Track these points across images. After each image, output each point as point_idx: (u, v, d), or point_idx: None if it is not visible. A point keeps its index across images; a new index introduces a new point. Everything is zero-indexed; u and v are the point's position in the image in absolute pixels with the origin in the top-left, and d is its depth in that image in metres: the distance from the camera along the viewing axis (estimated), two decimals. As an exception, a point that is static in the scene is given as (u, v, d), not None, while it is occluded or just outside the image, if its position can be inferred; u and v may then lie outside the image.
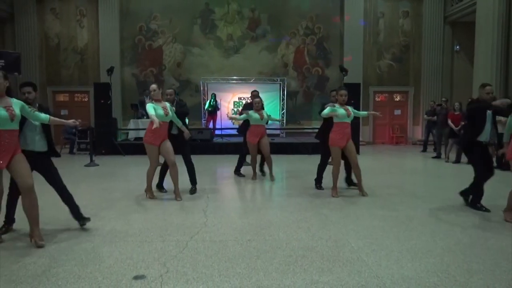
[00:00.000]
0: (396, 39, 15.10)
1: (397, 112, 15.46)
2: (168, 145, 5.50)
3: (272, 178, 7.17)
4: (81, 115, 13.91)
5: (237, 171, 7.72)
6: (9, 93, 3.63)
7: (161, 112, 5.34)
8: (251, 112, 7.00)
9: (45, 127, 4.01)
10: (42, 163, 4.05)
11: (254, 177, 7.29)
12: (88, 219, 4.21)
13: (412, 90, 15.29)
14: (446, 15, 14.63)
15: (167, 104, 5.57)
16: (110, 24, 14.39)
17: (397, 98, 15.55)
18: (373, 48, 15.05)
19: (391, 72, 15.19)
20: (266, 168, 7.47)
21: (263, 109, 7.13)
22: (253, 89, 7.90)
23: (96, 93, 11.97)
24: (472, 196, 5.06)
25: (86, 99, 14.98)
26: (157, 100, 5.47)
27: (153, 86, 5.54)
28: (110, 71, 11.80)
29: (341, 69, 11.97)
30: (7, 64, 12.12)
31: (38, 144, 3.97)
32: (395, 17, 15.07)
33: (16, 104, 3.57)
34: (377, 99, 15.41)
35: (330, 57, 15.09)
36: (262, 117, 6.97)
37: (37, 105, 4.03)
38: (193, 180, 6.17)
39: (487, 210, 4.84)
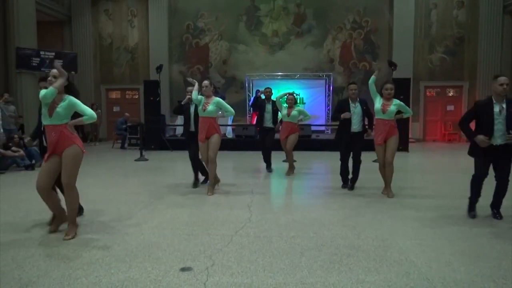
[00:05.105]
0: (449, 31, 14.36)
1: (450, 107, 14.72)
2: (211, 140, 5.61)
3: (290, 173, 7.27)
4: (131, 111, 14.53)
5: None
6: (70, 91, 3.78)
7: (199, 107, 5.61)
8: (284, 106, 7.18)
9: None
10: None
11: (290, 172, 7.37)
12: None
13: (467, 85, 14.48)
14: (505, 4, 13.68)
15: (214, 100, 5.62)
16: (159, 23, 14.87)
17: (450, 93, 14.80)
18: (424, 41, 14.42)
19: (443, 66, 14.47)
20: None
21: (296, 106, 7.26)
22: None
23: (146, 90, 12.43)
24: None
25: (136, 96, 15.59)
26: (208, 96, 5.62)
27: (206, 82, 5.70)
28: (159, 69, 12.19)
29: (389, 64, 11.58)
30: (65, 63, 12.89)
31: None
32: (449, 7, 14.32)
33: (64, 102, 3.66)
34: (428, 94, 14.77)
35: (378, 51, 14.65)
36: (289, 114, 7.04)
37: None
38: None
39: None
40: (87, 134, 14.48)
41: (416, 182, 6.87)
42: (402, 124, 11.09)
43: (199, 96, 5.65)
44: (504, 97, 4.13)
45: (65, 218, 3.92)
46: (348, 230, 3.97)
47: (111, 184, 6.65)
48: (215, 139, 5.62)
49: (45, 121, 3.70)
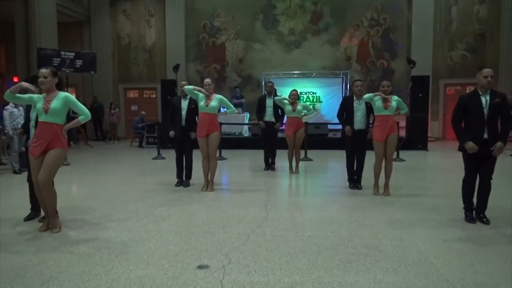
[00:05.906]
0: (470, 28, 14.03)
1: (471, 106, 14.36)
2: (211, 138, 5.61)
3: (296, 171, 7.28)
4: (149, 110, 14.70)
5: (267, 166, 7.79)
6: (60, 87, 3.88)
7: (201, 103, 5.60)
8: (286, 101, 7.10)
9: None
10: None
11: (291, 170, 7.32)
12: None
13: (488, 82, 14.12)
14: (529, -1, 13.30)
15: (217, 98, 5.64)
16: (176, 23, 14.98)
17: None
18: (444, 37, 14.13)
19: (464, 63, 14.14)
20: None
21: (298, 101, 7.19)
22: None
23: (163, 89, 12.54)
24: None
25: (153, 95, 15.76)
26: (210, 93, 5.63)
27: (208, 80, 5.76)
28: (176, 68, 12.29)
29: (408, 61, 11.39)
30: (84, 63, 13.14)
31: None
32: (470, 3, 13.98)
33: (60, 98, 3.74)
34: (448, 92, 14.48)
35: (396, 48, 14.43)
36: (294, 110, 7.00)
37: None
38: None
39: None
40: (106, 132, 14.72)
41: (435, 182, 6.75)
42: (420, 123, 11.01)
43: (199, 94, 5.63)
44: (488, 89, 4.07)
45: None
46: (365, 230, 3.93)
47: (129, 182, 6.73)
48: (215, 137, 5.64)
49: (41, 118, 3.73)
